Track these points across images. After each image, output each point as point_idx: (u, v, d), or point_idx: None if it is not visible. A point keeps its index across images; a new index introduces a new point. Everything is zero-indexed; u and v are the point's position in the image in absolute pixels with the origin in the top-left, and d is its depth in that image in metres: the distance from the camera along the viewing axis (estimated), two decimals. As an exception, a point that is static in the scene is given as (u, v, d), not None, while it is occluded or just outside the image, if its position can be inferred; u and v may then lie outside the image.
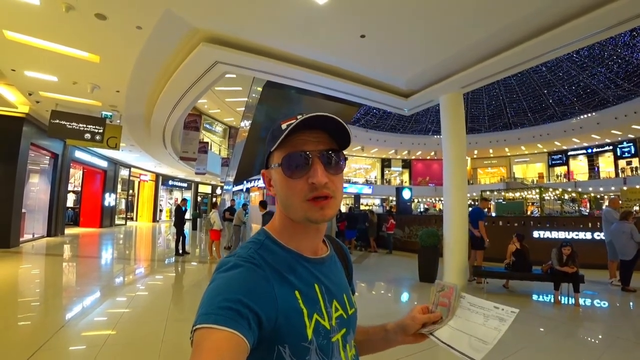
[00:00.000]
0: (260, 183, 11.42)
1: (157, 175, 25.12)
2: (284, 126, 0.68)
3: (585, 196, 21.07)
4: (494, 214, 14.12)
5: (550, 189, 18.51)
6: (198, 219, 20.88)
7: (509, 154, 31.81)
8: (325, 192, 0.66)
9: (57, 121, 8.33)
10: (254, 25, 5.26)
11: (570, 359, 3.56)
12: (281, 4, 4.64)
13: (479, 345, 0.69)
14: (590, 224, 8.74)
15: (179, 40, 5.71)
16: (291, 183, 0.67)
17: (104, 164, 17.44)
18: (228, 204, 13.24)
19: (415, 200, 26.70)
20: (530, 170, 31.97)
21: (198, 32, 5.49)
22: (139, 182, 24.43)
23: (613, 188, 22.97)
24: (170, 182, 27.53)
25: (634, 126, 21.37)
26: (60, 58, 6.11)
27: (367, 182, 32.20)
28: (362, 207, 23.43)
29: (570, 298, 5.53)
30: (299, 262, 0.70)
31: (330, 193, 0.67)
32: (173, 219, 11.01)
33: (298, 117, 0.68)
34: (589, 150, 27.32)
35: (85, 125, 8.58)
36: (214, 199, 28.58)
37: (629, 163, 24.58)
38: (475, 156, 32.42)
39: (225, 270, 0.62)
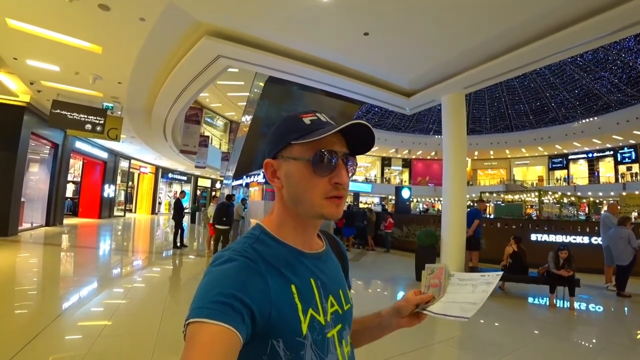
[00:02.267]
0: (260, 178, 11.39)
1: (157, 167, 25.11)
2: (307, 120, 0.69)
3: (584, 200, 21.10)
4: (491, 216, 14.16)
5: (550, 192, 18.54)
6: (197, 213, 20.90)
7: (509, 156, 31.79)
8: (343, 193, 0.70)
9: (58, 111, 8.31)
10: (257, 20, 5.25)
11: (563, 362, 3.59)
12: (285, 0, 4.62)
13: (468, 307, 0.73)
14: (588, 229, 8.75)
15: (181, 33, 5.69)
16: (315, 180, 0.68)
17: (104, 155, 17.43)
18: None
19: (415, 200, 26.69)
20: (530, 173, 31.96)
21: (201, 26, 5.47)
22: (139, 174, 24.40)
23: (612, 193, 22.97)
24: (170, 175, 27.52)
25: (635, 132, 21.33)
26: (63, 48, 6.09)
27: (367, 180, 32.20)
28: (360, 205, 23.45)
29: (565, 301, 5.55)
30: (295, 257, 0.71)
31: (345, 194, 0.71)
32: (172, 211, 11.03)
33: (317, 114, 0.71)
34: (590, 155, 27.28)
35: (86, 116, 8.57)
36: (213, 193, 28.59)
37: (629, 169, 24.54)
38: (475, 157, 32.39)
39: (219, 264, 0.62)
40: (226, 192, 16.54)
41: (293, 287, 0.66)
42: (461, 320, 0.72)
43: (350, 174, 0.72)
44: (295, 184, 0.69)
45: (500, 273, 0.79)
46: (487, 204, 18.14)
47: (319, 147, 0.67)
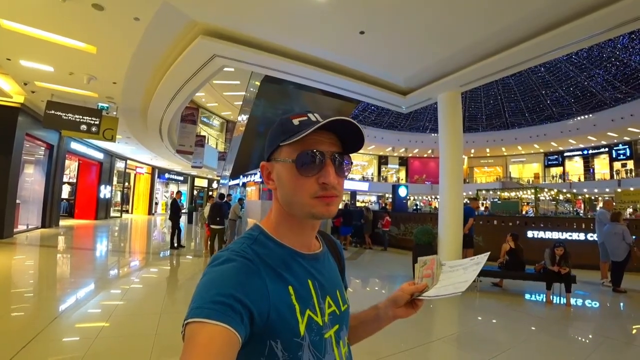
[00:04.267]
0: (257, 178, 11.39)
1: (153, 168, 24.99)
2: (296, 122, 0.68)
3: (580, 197, 21.25)
4: (488, 213, 14.21)
5: (546, 190, 18.65)
6: (194, 213, 20.85)
7: (505, 153, 31.95)
8: (333, 192, 0.68)
9: (53, 112, 8.25)
10: (252, 20, 5.23)
11: (560, 358, 3.62)
12: (281, -1, 4.61)
13: (460, 285, 0.77)
14: (583, 225, 8.81)
15: (176, 32, 5.66)
16: (302, 180, 0.67)
17: (99, 155, 17.33)
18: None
19: (411, 198, 26.76)
20: (526, 170, 32.14)
21: (196, 25, 5.45)
22: (135, 175, 24.30)
23: (607, 190, 23.15)
24: (167, 175, 27.41)
25: (630, 128, 21.51)
26: (57, 48, 6.04)
27: (364, 179, 32.24)
28: (358, 204, 23.49)
29: (561, 298, 5.59)
30: (292, 258, 0.71)
31: (336, 193, 0.69)
32: (168, 212, 10.99)
33: (309, 114, 0.69)
34: (585, 152, 27.49)
35: (81, 117, 8.51)
36: (210, 193, 28.51)
37: (623, 165, 24.74)
38: (472, 155, 32.53)
39: (217, 265, 0.62)
40: (223, 191, 16.53)
41: (291, 288, 0.66)
42: (454, 295, 0.75)
43: (342, 174, 0.71)
44: (285, 185, 0.70)
45: (488, 253, 0.83)
46: (483, 201, 18.24)
47: (304, 148, 0.67)
